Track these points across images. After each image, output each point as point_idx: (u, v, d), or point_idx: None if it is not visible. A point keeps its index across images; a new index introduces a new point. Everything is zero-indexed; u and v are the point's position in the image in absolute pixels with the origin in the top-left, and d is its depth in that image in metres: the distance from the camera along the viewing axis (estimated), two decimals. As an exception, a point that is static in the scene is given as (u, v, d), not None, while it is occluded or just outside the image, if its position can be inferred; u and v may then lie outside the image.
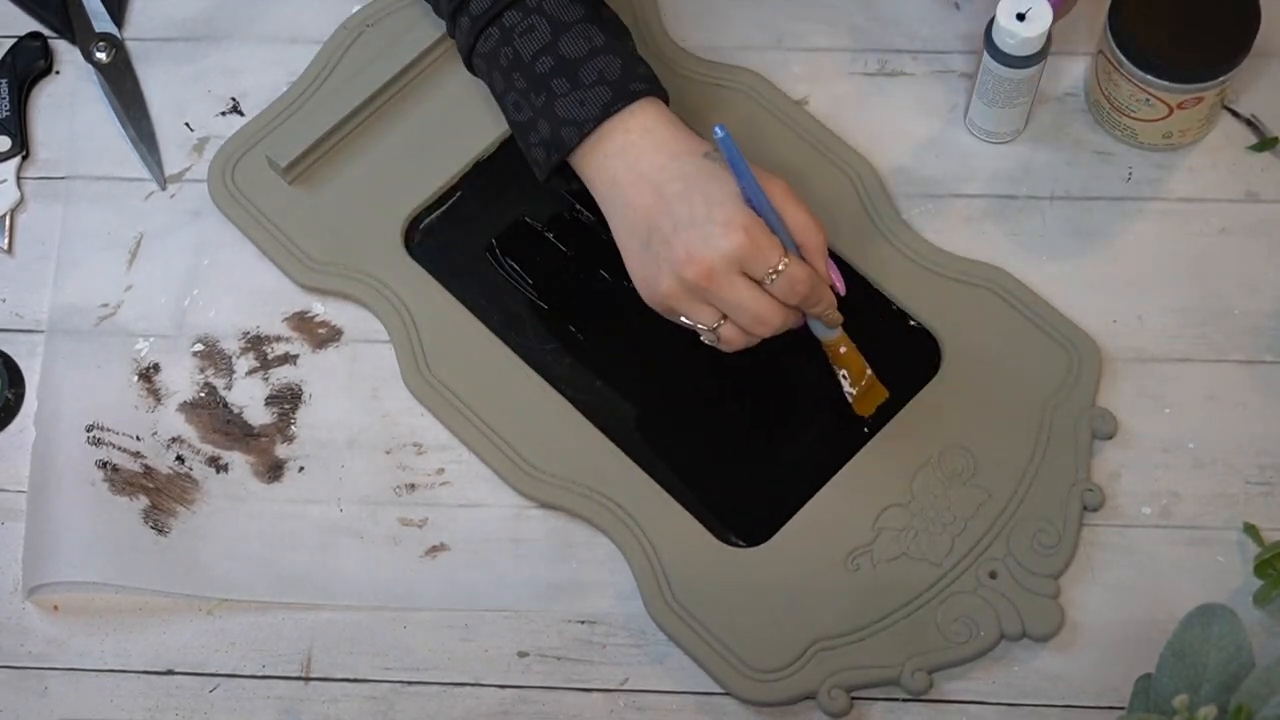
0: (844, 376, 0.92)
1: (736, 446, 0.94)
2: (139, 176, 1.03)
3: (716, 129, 0.80)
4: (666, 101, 0.89)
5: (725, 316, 0.85)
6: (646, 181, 0.85)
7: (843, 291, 0.88)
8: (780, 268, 0.83)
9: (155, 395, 0.97)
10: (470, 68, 0.92)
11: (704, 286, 0.83)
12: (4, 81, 1.04)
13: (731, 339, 0.86)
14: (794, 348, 0.95)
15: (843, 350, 0.91)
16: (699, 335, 0.87)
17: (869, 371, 0.92)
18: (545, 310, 0.98)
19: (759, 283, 0.83)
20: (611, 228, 0.88)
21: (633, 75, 0.87)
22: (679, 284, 0.84)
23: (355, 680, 0.90)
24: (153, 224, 1.01)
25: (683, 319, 0.86)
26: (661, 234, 0.84)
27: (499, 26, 0.88)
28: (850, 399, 0.92)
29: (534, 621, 0.91)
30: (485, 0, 0.88)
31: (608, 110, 0.86)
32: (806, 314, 0.88)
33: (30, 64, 1.05)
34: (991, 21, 0.95)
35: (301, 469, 0.95)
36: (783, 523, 0.91)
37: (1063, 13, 0.94)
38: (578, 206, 1.00)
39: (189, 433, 0.96)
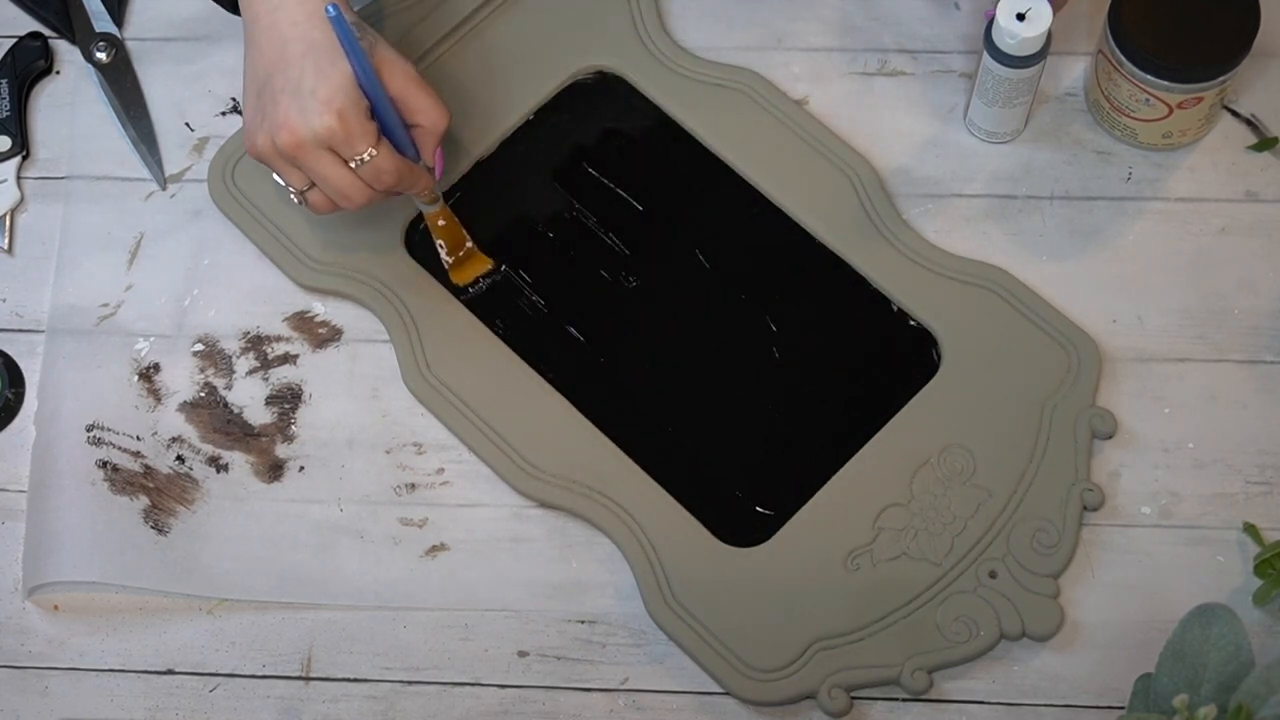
0: (441, 246, 0.96)
1: (737, 446, 0.94)
2: (139, 176, 1.03)
3: (328, 8, 0.83)
4: None
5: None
6: (277, 33, 0.87)
7: (439, 176, 0.93)
8: (366, 157, 0.86)
9: (155, 395, 0.97)
10: None
11: (293, 155, 0.86)
12: (4, 81, 1.04)
13: (318, 205, 0.90)
14: (795, 348, 0.96)
15: (441, 223, 0.96)
16: (292, 196, 0.91)
17: (469, 243, 0.97)
18: (545, 310, 0.98)
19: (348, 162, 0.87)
20: (244, 61, 0.90)
21: None
22: (271, 145, 0.87)
23: (355, 680, 0.90)
24: (153, 224, 1.01)
25: (275, 178, 0.90)
26: (271, 91, 0.87)
27: None
28: (447, 267, 0.97)
29: (534, 621, 0.91)
30: None
31: None
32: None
33: (30, 64, 1.05)
34: (991, 21, 0.95)
35: (301, 469, 0.95)
36: (783, 523, 0.91)
37: (1057, 5, 0.94)
38: (577, 206, 1.00)
39: (189, 432, 0.96)
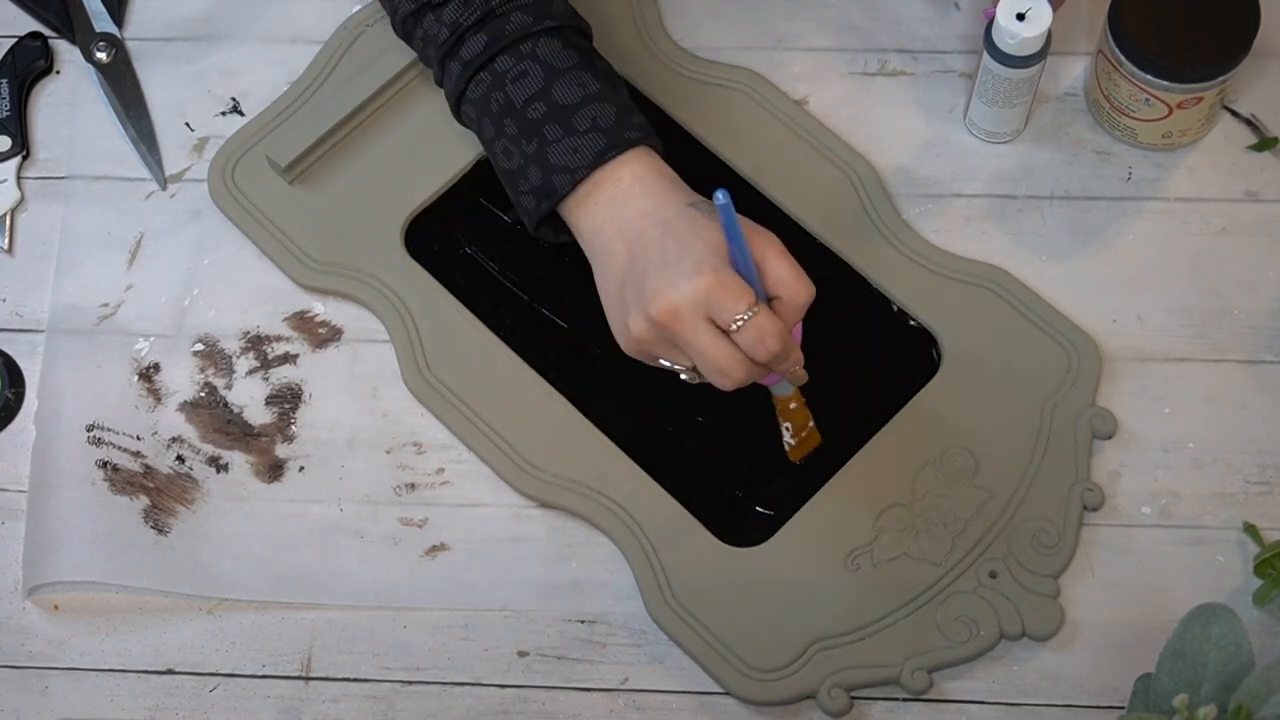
0: (786, 428, 0.92)
1: (737, 446, 0.94)
2: (139, 176, 1.03)
3: (718, 194, 0.79)
4: (660, 151, 0.88)
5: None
6: (629, 228, 0.84)
7: (800, 361, 0.86)
8: (746, 316, 0.80)
9: (155, 395, 0.97)
10: (458, 115, 0.92)
11: (669, 328, 0.81)
12: (4, 81, 1.04)
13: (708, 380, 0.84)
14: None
15: (793, 406, 0.91)
16: (681, 375, 0.86)
17: (811, 423, 0.92)
18: (545, 310, 0.98)
19: (726, 332, 0.81)
20: (595, 277, 0.87)
21: (627, 123, 0.87)
22: (646, 324, 0.82)
23: (355, 680, 0.90)
24: (153, 224, 1.01)
25: (660, 361, 0.85)
26: (634, 277, 0.83)
27: (490, 72, 0.88)
28: (788, 448, 0.93)
29: (534, 621, 0.91)
30: (477, 45, 0.88)
31: (601, 158, 0.85)
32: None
33: (30, 64, 1.05)
34: (991, 21, 0.95)
35: (301, 469, 0.95)
36: (783, 522, 0.91)
37: (1056, 4, 0.94)
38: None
39: (189, 432, 0.96)
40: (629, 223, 0.84)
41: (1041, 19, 0.93)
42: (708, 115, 1.01)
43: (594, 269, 0.87)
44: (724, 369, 0.82)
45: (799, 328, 0.86)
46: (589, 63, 0.88)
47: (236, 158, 1.01)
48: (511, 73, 0.87)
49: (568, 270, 0.98)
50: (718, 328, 0.81)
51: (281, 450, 0.95)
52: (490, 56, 0.88)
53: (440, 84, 0.92)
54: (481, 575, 0.92)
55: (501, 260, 0.99)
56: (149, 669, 0.91)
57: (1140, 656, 0.85)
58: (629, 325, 0.84)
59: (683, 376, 0.86)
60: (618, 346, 0.96)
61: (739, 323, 0.80)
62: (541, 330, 0.97)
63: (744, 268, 0.82)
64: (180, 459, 0.95)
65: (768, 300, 0.83)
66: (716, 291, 0.80)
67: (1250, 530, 0.91)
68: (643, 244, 0.83)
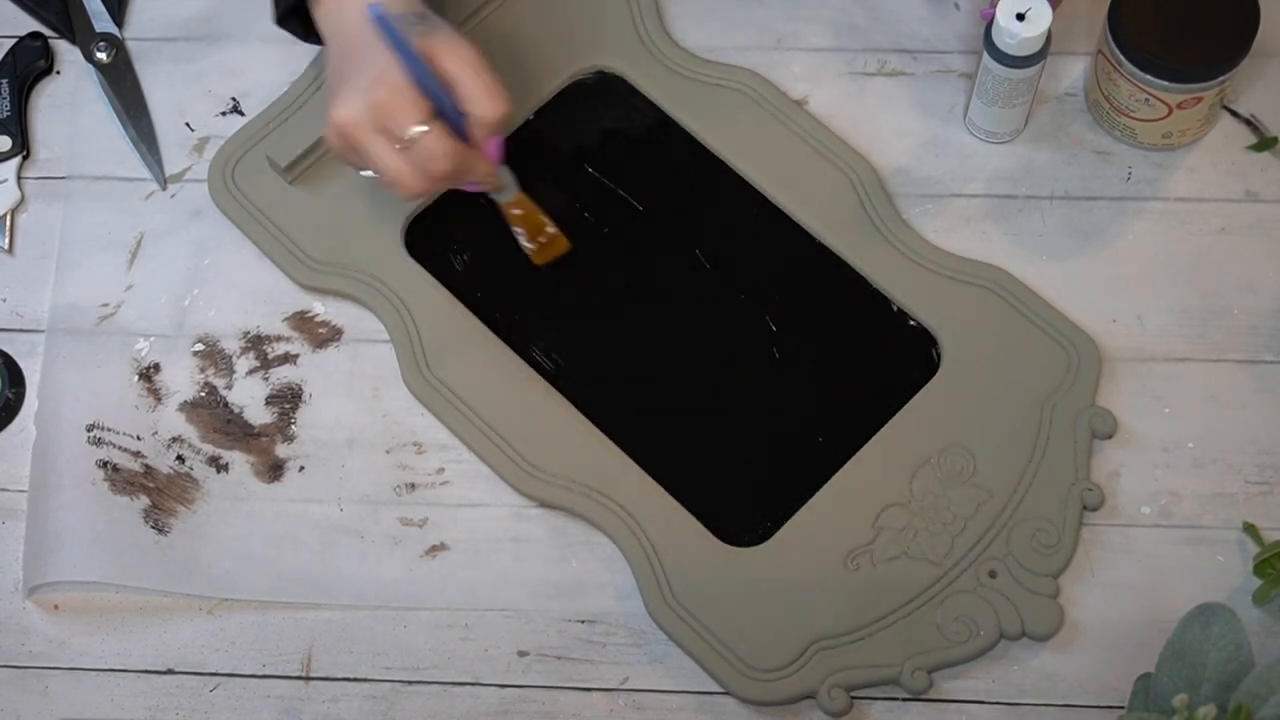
0: (519, 233, 0.95)
1: (736, 446, 0.94)
2: (139, 176, 1.03)
3: (369, 8, 0.84)
4: None
5: None
6: (342, 35, 0.89)
7: (496, 162, 0.90)
8: (413, 132, 0.85)
9: (155, 395, 0.97)
10: None
11: (348, 137, 0.86)
12: (4, 81, 1.04)
13: (390, 186, 0.88)
14: (795, 348, 0.96)
15: (517, 212, 0.95)
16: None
17: (549, 228, 0.96)
18: (545, 309, 0.98)
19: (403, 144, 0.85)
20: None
21: None
22: (334, 133, 0.87)
23: (355, 680, 0.90)
24: (153, 224, 1.01)
25: (356, 165, 0.89)
26: (332, 86, 0.88)
27: None
28: (528, 253, 0.96)
29: (534, 621, 0.91)
30: None
31: None
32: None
33: (31, 64, 1.05)
34: (991, 21, 0.95)
35: (302, 469, 0.95)
36: (783, 522, 0.91)
37: (1055, 3, 0.94)
38: (577, 206, 1.00)
39: (189, 432, 0.96)
40: (344, 29, 0.89)
41: (1041, 19, 0.93)
42: (708, 115, 1.01)
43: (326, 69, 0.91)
44: (398, 180, 0.86)
45: (496, 142, 0.89)
46: None
47: (236, 158, 1.01)
48: None
49: (568, 269, 0.99)
50: (391, 143, 0.85)
51: (281, 450, 0.95)
52: None
53: None
54: (481, 575, 0.92)
55: (502, 260, 0.99)
56: (149, 669, 0.91)
57: (1140, 656, 0.85)
58: (325, 130, 0.88)
59: (373, 176, 0.89)
60: (620, 347, 0.97)
61: (408, 139, 0.85)
62: (541, 330, 0.97)
63: (426, 84, 0.85)
64: (180, 459, 0.95)
65: (459, 115, 0.87)
66: (386, 106, 0.84)
67: (1250, 530, 0.91)
68: (347, 53, 0.88)
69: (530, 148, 1.01)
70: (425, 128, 0.85)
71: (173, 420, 0.96)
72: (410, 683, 0.90)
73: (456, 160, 0.86)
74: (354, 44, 0.88)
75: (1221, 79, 0.96)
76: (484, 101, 0.86)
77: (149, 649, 0.91)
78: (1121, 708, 0.87)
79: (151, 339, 0.98)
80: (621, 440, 0.93)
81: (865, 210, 0.99)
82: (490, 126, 0.87)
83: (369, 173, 0.88)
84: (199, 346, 0.98)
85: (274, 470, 0.95)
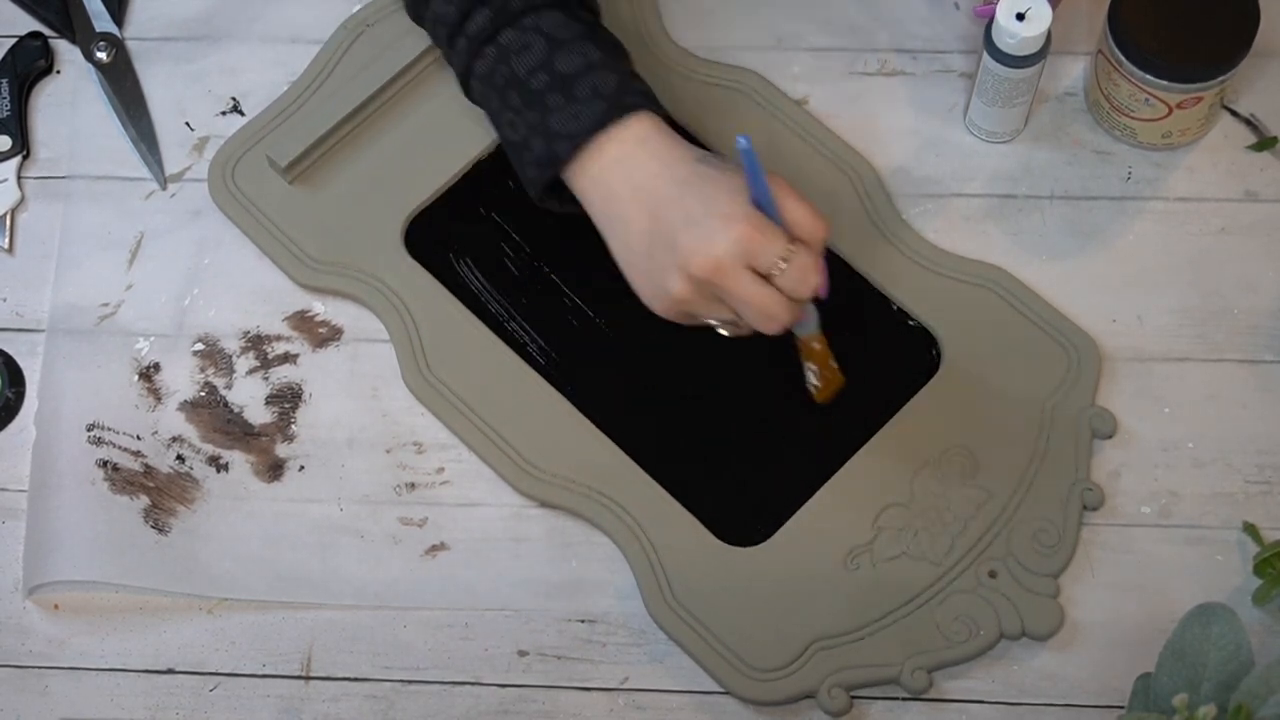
0: (810, 369, 0.93)
1: (736, 445, 0.94)
2: (139, 176, 1.03)
3: (740, 139, 0.80)
4: (664, 116, 0.88)
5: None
6: (643, 191, 0.85)
7: (825, 294, 0.86)
8: (787, 256, 0.82)
9: (155, 395, 0.97)
10: (467, 92, 0.92)
11: (713, 282, 0.82)
12: (4, 81, 1.04)
13: (750, 331, 0.86)
14: (795, 348, 0.95)
15: (817, 346, 0.92)
16: (719, 330, 0.87)
17: (832, 362, 0.93)
18: (545, 309, 0.97)
19: (766, 278, 0.83)
20: (609, 245, 0.87)
21: (628, 89, 0.87)
22: (687, 283, 0.83)
23: (355, 679, 0.90)
24: (153, 223, 1.01)
25: (699, 318, 0.86)
26: (663, 239, 0.83)
27: (495, 45, 0.88)
28: (814, 390, 0.93)
29: (534, 621, 0.91)
30: (482, 20, 0.88)
31: (602, 122, 0.85)
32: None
33: (31, 64, 1.05)
34: (991, 21, 0.95)
35: (301, 468, 0.95)
36: (783, 522, 0.91)
37: (1055, 2, 0.94)
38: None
39: (189, 432, 0.96)
40: (643, 185, 0.85)
41: (1041, 19, 0.93)
42: (708, 115, 1.01)
43: (608, 238, 0.87)
44: (771, 314, 0.83)
45: (823, 266, 0.85)
46: (592, 34, 0.88)
47: (236, 158, 1.01)
48: (515, 45, 0.88)
49: (568, 269, 0.99)
50: (758, 274, 0.82)
51: (281, 450, 0.95)
52: (495, 30, 0.88)
53: (451, 64, 0.92)
54: (481, 575, 0.92)
55: (502, 260, 0.99)
56: (149, 669, 0.91)
57: (1140, 656, 0.85)
58: (667, 288, 0.84)
59: (722, 331, 0.87)
60: (619, 346, 0.96)
61: (782, 266, 0.82)
62: (542, 330, 0.97)
63: (769, 210, 0.83)
64: (180, 459, 0.95)
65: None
66: (755, 238, 0.81)
67: (1250, 530, 0.91)
68: (662, 204, 0.84)
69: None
70: (794, 251, 0.82)
71: (173, 420, 0.96)
72: (410, 682, 0.90)
73: (823, 274, 0.83)
74: (666, 190, 0.84)
75: (1221, 79, 0.96)
76: (814, 223, 0.84)
77: (149, 649, 0.91)
78: (1121, 708, 0.87)
79: (151, 339, 0.98)
80: (621, 440, 0.93)
81: (865, 210, 0.99)
82: (821, 246, 0.84)
83: (713, 320, 0.86)
84: (199, 346, 0.98)
85: (274, 470, 0.95)
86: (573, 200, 0.89)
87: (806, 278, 0.82)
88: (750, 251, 0.81)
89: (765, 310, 0.83)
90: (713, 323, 0.86)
